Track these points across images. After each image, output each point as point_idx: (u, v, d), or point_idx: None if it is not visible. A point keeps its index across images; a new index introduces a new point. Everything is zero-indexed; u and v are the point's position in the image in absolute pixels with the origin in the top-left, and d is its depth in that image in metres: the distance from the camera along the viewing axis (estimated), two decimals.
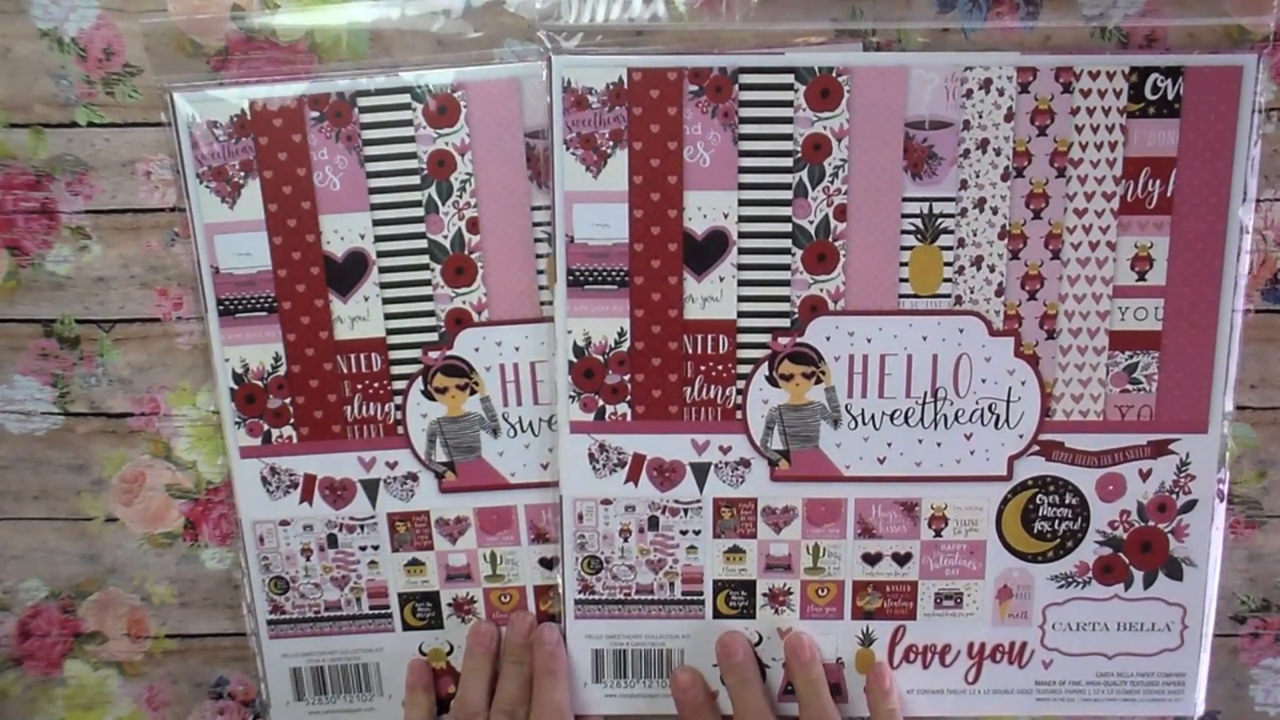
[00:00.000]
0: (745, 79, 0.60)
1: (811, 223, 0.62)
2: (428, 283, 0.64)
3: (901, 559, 0.66)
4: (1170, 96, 0.60)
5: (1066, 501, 0.65)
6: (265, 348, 0.64)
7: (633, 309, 0.63)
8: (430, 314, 0.64)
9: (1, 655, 0.71)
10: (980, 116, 0.61)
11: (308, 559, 0.67)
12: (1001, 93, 0.61)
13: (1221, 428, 0.64)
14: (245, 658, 0.70)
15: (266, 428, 0.65)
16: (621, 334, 0.63)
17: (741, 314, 0.63)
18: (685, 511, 0.66)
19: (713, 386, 0.64)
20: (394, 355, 0.64)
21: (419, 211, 0.63)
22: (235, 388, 0.65)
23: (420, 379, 0.65)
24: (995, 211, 0.62)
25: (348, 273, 0.64)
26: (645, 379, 0.64)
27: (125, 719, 0.72)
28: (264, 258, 0.63)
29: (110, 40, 0.62)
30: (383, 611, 0.68)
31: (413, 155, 0.62)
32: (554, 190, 0.62)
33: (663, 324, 0.63)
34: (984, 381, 0.64)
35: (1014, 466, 0.65)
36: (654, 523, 0.66)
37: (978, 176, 0.62)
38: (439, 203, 0.63)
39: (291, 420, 0.65)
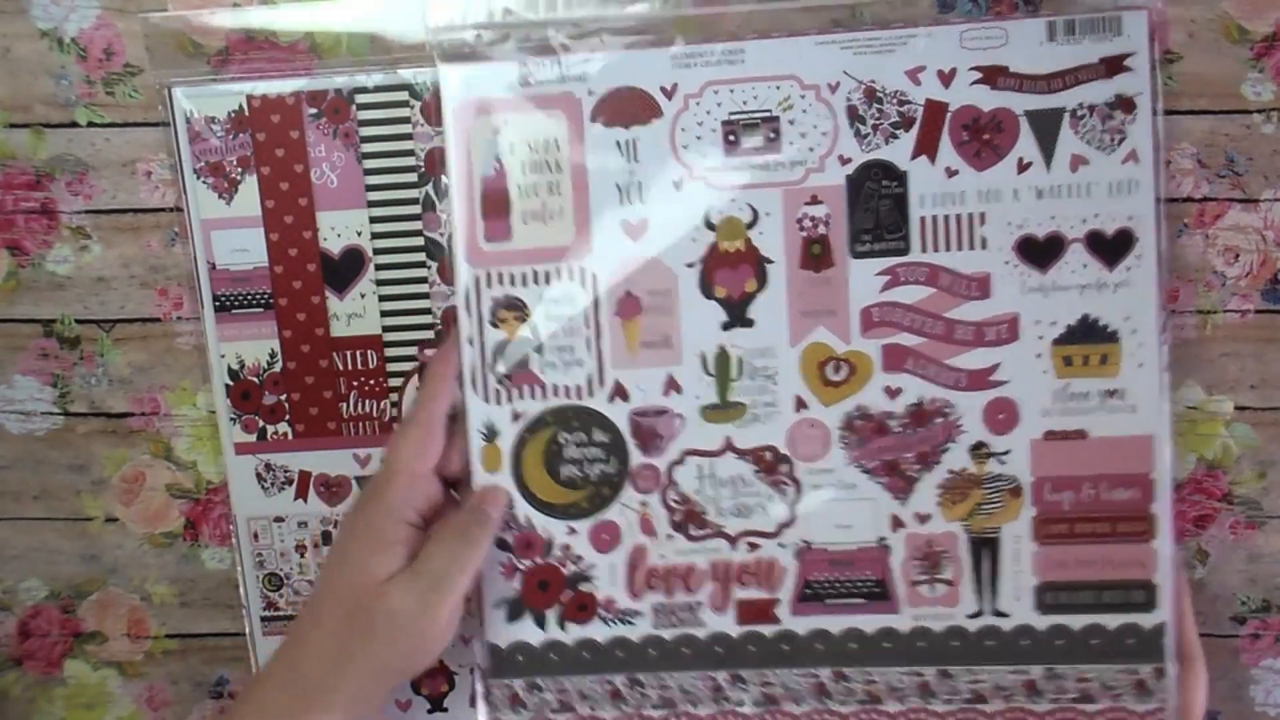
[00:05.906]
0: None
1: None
2: (424, 280, 0.64)
3: None
4: None
5: None
6: (261, 344, 0.65)
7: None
8: (426, 311, 0.64)
9: (1, 655, 0.71)
10: None
11: (302, 556, 0.67)
12: None
13: None
14: (245, 658, 0.70)
15: (262, 424, 0.66)
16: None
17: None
18: None
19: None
20: (390, 352, 0.65)
21: (416, 209, 0.63)
22: (231, 384, 0.65)
23: (416, 376, 0.65)
24: None
25: (344, 269, 0.64)
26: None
27: (125, 719, 0.72)
28: (260, 254, 0.64)
29: (110, 40, 0.63)
30: None
31: (410, 152, 0.63)
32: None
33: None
34: None
35: None
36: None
37: None
38: (436, 200, 0.63)
39: (287, 417, 0.65)
